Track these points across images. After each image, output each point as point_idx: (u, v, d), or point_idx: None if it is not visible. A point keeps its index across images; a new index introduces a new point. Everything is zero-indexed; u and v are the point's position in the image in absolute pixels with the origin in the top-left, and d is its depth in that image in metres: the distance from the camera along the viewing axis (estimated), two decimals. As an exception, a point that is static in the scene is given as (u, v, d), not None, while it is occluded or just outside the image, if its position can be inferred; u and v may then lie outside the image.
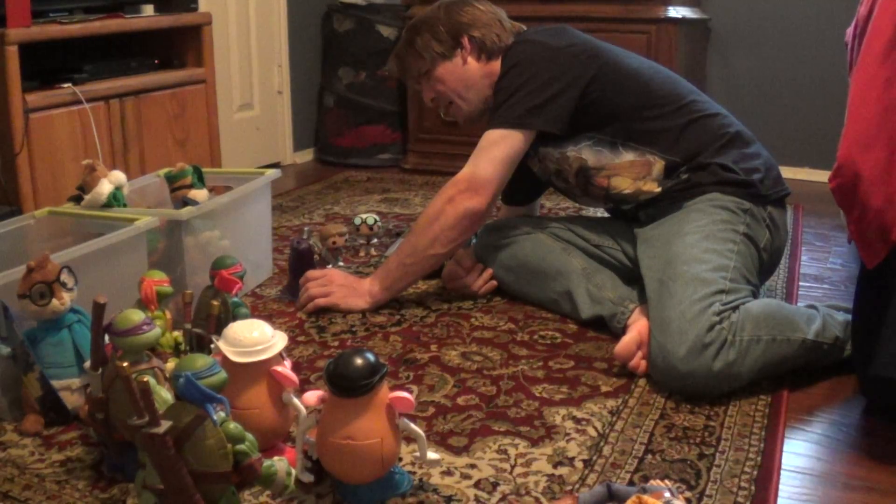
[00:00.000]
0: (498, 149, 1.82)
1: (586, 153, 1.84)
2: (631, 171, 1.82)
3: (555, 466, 1.29)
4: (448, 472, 1.28)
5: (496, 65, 1.93)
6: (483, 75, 1.94)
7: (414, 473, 1.27)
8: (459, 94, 1.96)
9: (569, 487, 1.24)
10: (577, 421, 1.43)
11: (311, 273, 1.94)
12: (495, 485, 1.24)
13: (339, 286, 1.90)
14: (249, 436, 1.05)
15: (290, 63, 3.58)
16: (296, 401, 1.27)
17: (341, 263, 2.20)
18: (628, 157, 1.82)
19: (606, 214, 2.12)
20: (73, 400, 1.41)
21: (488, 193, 1.82)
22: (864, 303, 1.44)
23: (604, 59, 1.85)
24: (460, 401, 1.51)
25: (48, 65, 2.34)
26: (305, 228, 2.07)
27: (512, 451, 1.33)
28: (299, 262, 2.01)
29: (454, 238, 1.85)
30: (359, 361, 1.16)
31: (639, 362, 1.59)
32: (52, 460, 1.31)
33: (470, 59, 1.94)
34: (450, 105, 2.00)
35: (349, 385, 1.15)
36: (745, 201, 1.74)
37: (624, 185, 1.83)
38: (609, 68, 1.84)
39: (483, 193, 1.82)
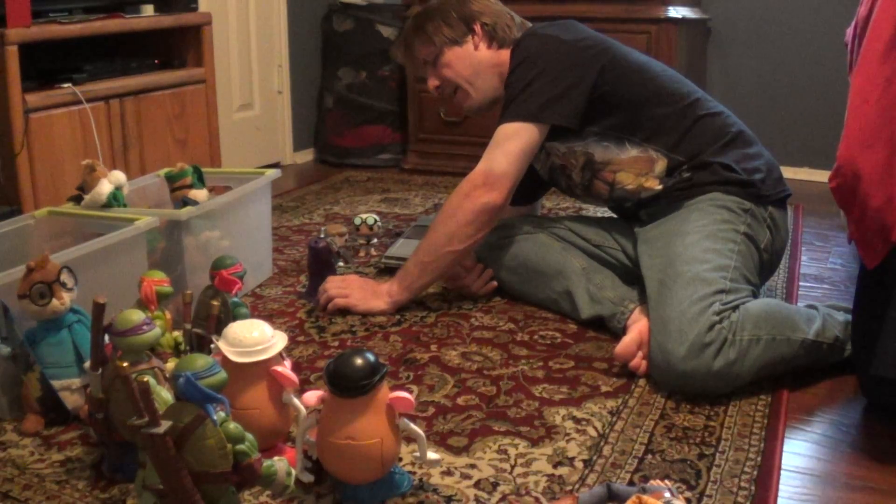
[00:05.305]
0: (513, 143, 1.81)
1: (593, 147, 1.84)
2: (634, 166, 1.82)
3: (555, 466, 1.29)
4: (448, 472, 1.27)
5: (505, 55, 1.92)
6: (493, 63, 1.94)
7: (414, 473, 1.27)
8: (468, 80, 1.95)
9: (569, 487, 1.24)
10: (577, 421, 1.43)
11: (331, 278, 1.95)
12: (495, 485, 1.24)
13: (357, 288, 1.90)
14: (249, 436, 1.05)
15: (290, 63, 3.58)
16: (296, 401, 1.27)
17: (340, 263, 2.20)
18: (632, 152, 1.82)
19: (607, 214, 2.12)
20: (73, 400, 1.41)
21: (505, 187, 1.81)
22: (864, 303, 1.44)
23: (613, 53, 1.85)
24: (460, 401, 1.51)
25: (48, 65, 2.34)
26: (322, 228, 2.08)
27: (512, 451, 1.33)
28: (317, 261, 2.01)
29: (472, 234, 1.84)
30: (359, 361, 1.16)
31: (639, 362, 1.59)
32: (52, 460, 1.31)
33: (481, 46, 1.94)
34: (456, 92, 1.99)
35: (349, 385, 1.15)
36: (746, 201, 1.74)
37: (627, 179, 1.83)
38: (618, 61, 1.85)
39: (499, 188, 1.81)
